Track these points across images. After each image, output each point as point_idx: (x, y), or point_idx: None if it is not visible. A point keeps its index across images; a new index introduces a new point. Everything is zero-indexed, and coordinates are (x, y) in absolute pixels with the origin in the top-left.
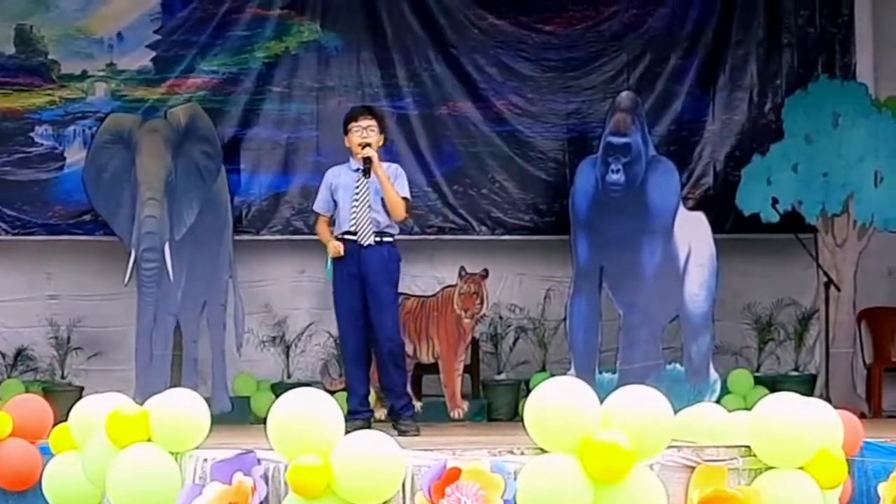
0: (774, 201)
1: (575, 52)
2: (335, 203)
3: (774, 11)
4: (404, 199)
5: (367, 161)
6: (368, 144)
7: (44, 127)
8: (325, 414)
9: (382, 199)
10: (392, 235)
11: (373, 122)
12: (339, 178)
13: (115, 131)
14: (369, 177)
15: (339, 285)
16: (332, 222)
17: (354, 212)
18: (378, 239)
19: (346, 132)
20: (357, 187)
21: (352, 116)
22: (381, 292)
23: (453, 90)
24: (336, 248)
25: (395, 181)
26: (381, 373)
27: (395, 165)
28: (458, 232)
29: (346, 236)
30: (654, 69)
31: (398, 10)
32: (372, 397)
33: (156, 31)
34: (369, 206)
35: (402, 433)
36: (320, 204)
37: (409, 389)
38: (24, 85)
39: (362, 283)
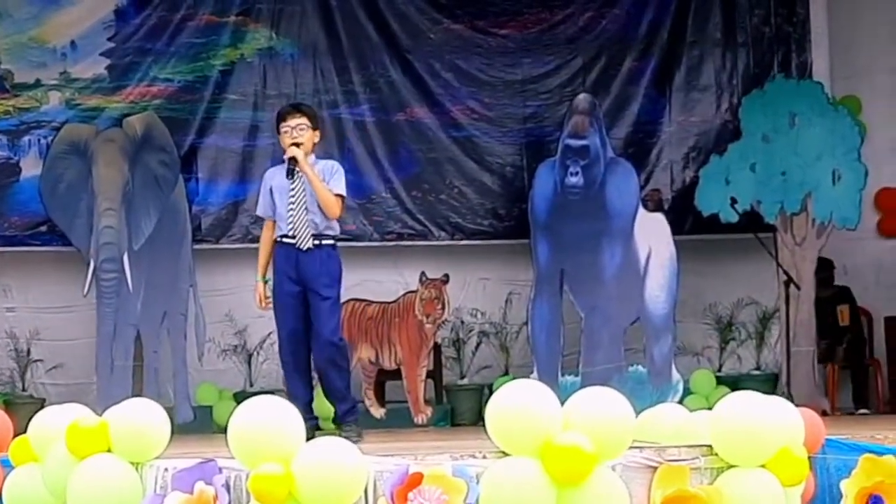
0: (733, 201)
1: (531, 56)
2: (275, 205)
3: (729, 11)
4: (338, 195)
5: (292, 161)
6: (298, 144)
7: None
8: (286, 422)
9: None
10: (332, 237)
11: (302, 121)
12: (275, 179)
13: (70, 141)
14: (292, 177)
15: (279, 291)
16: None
17: (291, 215)
18: (317, 242)
19: (278, 133)
20: (292, 190)
21: (281, 117)
22: (322, 295)
23: (410, 96)
24: (260, 298)
25: (329, 178)
26: (322, 378)
27: (332, 162)
28: (418, 238)
29: (285, 240)
30: (609, 71)
31: (353, 17)
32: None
33: (109, 39)
34: (305, 208)
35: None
36: (262, 208)
37: (352, 394)
38: None
39: (303, 287)
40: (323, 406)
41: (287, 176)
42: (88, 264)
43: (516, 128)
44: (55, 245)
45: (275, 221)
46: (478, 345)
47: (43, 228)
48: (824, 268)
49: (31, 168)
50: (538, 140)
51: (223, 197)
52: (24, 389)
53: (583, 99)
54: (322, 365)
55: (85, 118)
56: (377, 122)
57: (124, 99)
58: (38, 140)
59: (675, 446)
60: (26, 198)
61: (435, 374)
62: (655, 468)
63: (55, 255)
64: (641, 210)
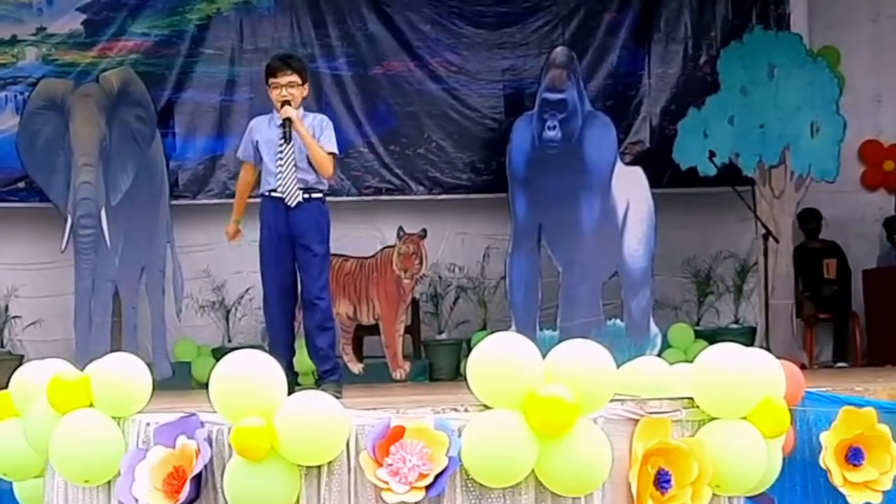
0: (711, 154)
1: (509, 8)
2: (260, 156)
3: None
4: (331, 153)
5: (287, 122)
6: (288, 102)
7: None
8: (268, 375)
9: (309, 157)
10: (321, 191)
11: (293, 77)
12: (262, 131)
13: (47, 97)
14: (291, 140)
15: (266, 247)
16: (257, 173)
17: (280, 173)
18: (306, 196)
19: (267, 85)
20: (280, 147)
21: (270, 72)
22: (313, 251)
23: (387, 49)
24: (231, 233)
25: (320, 135)
26: (308, 335)
27: (321, 117)
28: (396, 192)
29: (273, 195)
30: (588, 23)
31: None
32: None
33: None
34: (295, 166)
35: None
36: (243, 151)
37: (336, 352)
38: None
39: (292, 243)
40: (303, 362)
41: (284, 139)
42: (66, 220)
43: (495, 80)
44: (32, 201)
45: (254, 166)
46: (456, 299)
47: (20, 185)
48: (812, 218)
49: (7, 124)
50: (516, 93)
51: (200, 152)
52: (2, 346)
53: (560, 52)
54: (310, 323)
55: (61, 73)
56: (355, 76)
57: (101, 54)
58: (15, 96)
59: (657, 399)
60: (3, 154)
61: (413, 330)
62: (637, 421)
63: (32, 212)
64: (619, 164)
